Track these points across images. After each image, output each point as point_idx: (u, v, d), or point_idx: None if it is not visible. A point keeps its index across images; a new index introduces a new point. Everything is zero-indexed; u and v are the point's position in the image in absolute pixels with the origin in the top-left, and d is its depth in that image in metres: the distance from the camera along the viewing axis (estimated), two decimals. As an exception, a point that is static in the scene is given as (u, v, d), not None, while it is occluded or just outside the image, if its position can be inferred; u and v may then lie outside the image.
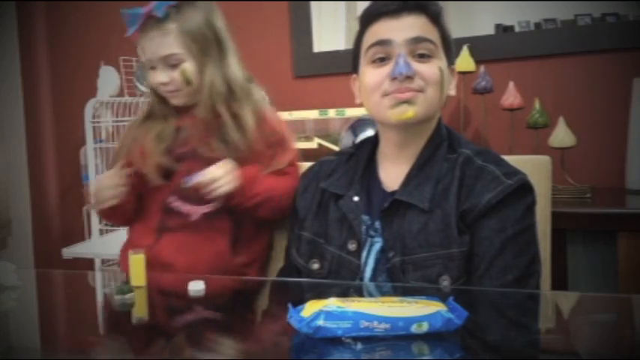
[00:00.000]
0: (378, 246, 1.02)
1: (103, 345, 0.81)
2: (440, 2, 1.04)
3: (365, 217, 1.03)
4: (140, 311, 0.93)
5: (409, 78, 0.97)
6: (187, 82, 1.23)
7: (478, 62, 1.84)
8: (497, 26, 1.97)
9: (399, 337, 0.68)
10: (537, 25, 1.92)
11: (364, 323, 0.68)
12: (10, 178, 2.65)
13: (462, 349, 0.71)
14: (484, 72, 1.83)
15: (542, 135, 1.74)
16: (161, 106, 1.30)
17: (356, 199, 1.04)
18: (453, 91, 1.07)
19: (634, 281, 1.45)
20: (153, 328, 0.86)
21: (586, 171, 1.82)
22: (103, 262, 2.15)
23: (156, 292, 1.01)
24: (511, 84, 1.79)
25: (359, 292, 0.96)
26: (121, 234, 1.65)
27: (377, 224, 1.02)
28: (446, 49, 1.03)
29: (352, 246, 1.03)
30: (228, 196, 1.18)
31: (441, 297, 0.75)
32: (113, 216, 1.34)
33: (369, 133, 1.76)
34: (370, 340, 0.68)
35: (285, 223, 1.23)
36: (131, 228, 1.36)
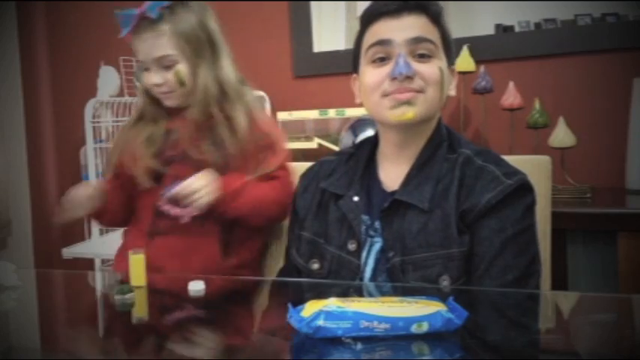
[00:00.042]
0: (377, 246, 1.02)
1: (103, 345, 0.81)
2: (440, 2, 1.04)
3: (365, 217, 1.03)
4: (140, 311, 0.93)
5: (409, 78, 0.97)
6: (181, 83, 1.23)
7: (478, 62, 1.84)
8: (497, 26, 1.97)
9: (399, 337, 0.68)
10: (537, 25, 1.92)
11: (364, 323, 0.68)
12: (10, 178, 2.65)
13: (462, 349, 0.71)
14: (484, 72, 1.83)
15: (542, 135, 1.74)
16: (152, 108, 1.29)
17: (356, 199, 1.04)
18: (453, 92, 1.07)
19: (634, 281, 1.45)
20: (152, 328, 0.86)
21: (586, 171, 1.82)
22: (103, 262, 2.15)
23: (152, 293, 1.01)
24: (511, 84, 1.79)
25: (359, 292, 0.96)
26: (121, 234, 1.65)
27: (377, 224, 1.02)
28: (446, 50, 1.03)
29: (352, 246, 1.03)
30: (211, 206, 1.18)
31: (441, 297, 0.75)
32: (103, 220, 1.35)
33: (369, 133, 1.76)
34: (370, 340, 0.68)
35: (285, 223, 1.23)
36: (125, 231, 1.36)
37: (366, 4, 1.05)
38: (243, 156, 1.23)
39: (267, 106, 2.17)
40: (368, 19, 1.03)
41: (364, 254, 1.02)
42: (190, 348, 0.76)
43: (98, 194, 1.26)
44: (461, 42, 1.83)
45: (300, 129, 2.09)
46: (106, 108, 2.25)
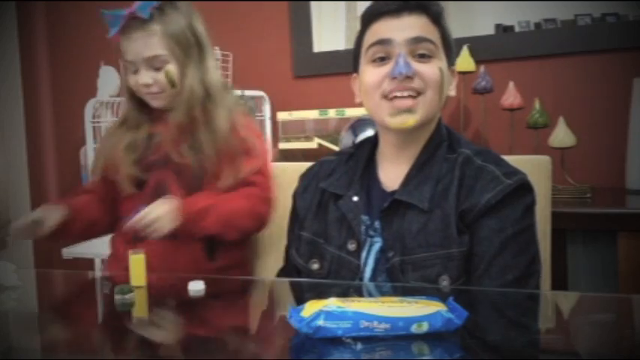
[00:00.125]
0: (377, 246, 1.02)
1: (103, 345, 0.81)
2: (440, 2, 1.04)
3: (364, 217, 1.03)
4: (140, 311, 0.93)
5: (409, 78, 0.97)
6: (172, 83, 1.23)
7: (478, 62, 1.84)
8: (497, 26, 1.97)
9: (399, 337, 0.68)
10: (537, 25, 1.92)
11: (364, 323, 0.68)
12: (10, 178, 2.64)
13: (462, 349, 0.71)
14: (484, 72, 1.83)
15: (542, 135, 1.74)
16: (135, 114, 1.29)
17: (355, 199, 1.04)
18: (453, 92, 1.07)
19: (634, 281, 1.45)
20: (152, 328, 0.86)
21: (586, 171, 1.82)
22: (103, 262, 2.15)
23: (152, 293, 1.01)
24: (511, 84, 1.79)
25: (359, 292, 0.96)
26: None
27: (376, 224, 1.02)
28: (446, 50, 1.03)
29: (352, 246, 1.03)
30: (177, 229, 1.16)
31: (441, 297, 0.75)
32: (76, 234, 1.31)
33: (369, 133, 1.76)
34: (370, 340, 0.68)
35: (285, 223, 1.23)
36: (112, 238, 1.36)
37: (367, 3, 1.05)
38: (219, 160, 1.22)
39: (267, 106, 2.17)
40: (368, 19, 1.03)
41: (364, 254, 1.02)
42: (190, 348, 0.76)
43: (50, 216, 1.20)
44: (461, 42, 1.83)
45: (300, 129, 2.09)
46: (106, 108, 2.25)
